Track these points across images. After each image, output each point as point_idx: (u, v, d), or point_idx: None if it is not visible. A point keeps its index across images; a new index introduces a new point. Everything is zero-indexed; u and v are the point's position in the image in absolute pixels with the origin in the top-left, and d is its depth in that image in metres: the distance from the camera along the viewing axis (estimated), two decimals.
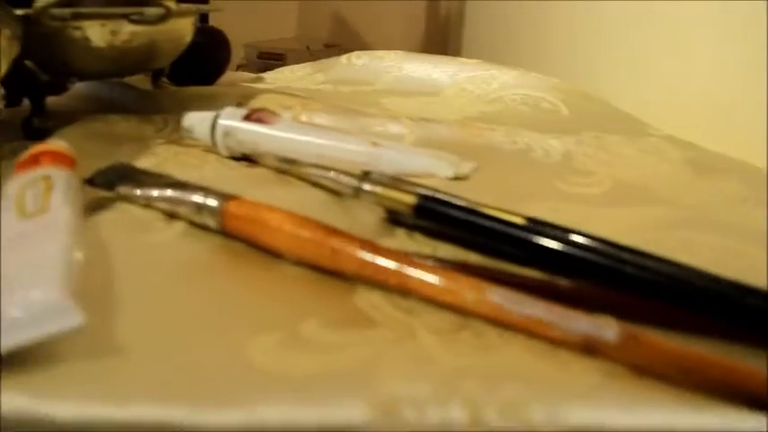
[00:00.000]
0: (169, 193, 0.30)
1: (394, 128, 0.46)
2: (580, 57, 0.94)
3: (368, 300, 0.26)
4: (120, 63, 0.46)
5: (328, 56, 1.34)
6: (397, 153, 0.39)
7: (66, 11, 0.39)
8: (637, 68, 0.84)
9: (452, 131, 0.47)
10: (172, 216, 0.31)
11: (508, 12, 1.08)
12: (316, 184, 0.35)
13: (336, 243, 0.26)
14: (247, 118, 0.40)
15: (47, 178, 0.29)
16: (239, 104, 0.48)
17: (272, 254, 0.28)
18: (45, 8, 0.38)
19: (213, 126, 0.40)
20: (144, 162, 0.39)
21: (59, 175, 0.30)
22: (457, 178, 0.38)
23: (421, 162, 0.39)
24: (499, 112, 0.58)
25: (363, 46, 1.43)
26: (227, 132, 0.40)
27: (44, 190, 0.28)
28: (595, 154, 0.45)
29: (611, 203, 0.37)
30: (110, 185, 0.32)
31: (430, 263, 0.26)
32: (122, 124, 0.46)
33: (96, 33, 0.42)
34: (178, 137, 0.45)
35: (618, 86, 0.88)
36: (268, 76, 0.67)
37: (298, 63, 1.28)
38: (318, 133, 0.39)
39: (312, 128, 0.40)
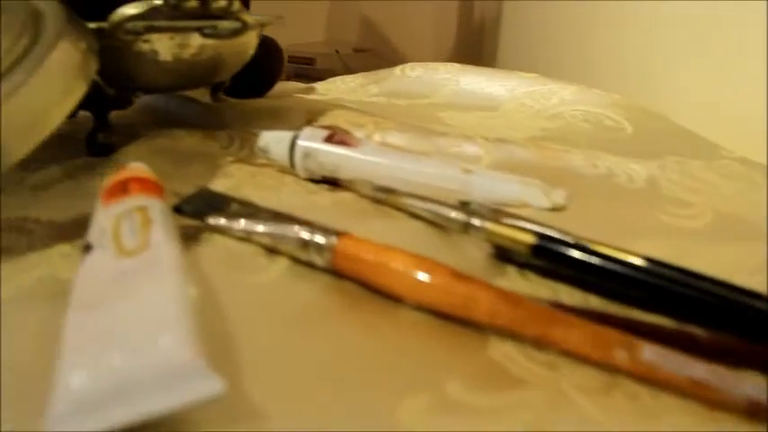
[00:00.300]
0: (270, 227, 0.28)
1: (469, 148, 0.44)
2: (625, 65, 0.91)
3: (502, 351, 0.24)
4: (186, 76, 0.44)
5: (358, 60, 1.33)
6: (489, 180, 0.36)
7: (140, 24, 0.37)
8: (690, 76, 0.82)
9: (529, 153, 0.45)
10: (271, 251, 0.29)
11: (547, 17, 1.05)
12: (415, 216, 0.33)
13: (469, 290, 0.24)
14: (329, 140, 0.38)
15: (142, 209, 0.27)
16: (309, 122, 0.47)
17: (387, 296, 0.26)
18: (121, 22, 0.36)
19: (291, 147, 0.38)
20: (220, 184, 0.37)
21: (154, 205, 0.27)
22: (553, 209, 0.36)
23: (513, 190, 0.36)
24: (561, 128, 0.56)
25: (392, 50, 1.41)
26: (308, 154, 0.37)
27: (142, 223, 0.26)
28: (681, 180, 0.43)
29: (718, 239, 0.35)
30: (198, 215, 0.30)
31: (560, 310, 0.24)
32: (187, 140, 0.44)
33: (164, 46, 0.40)
34: (247, 155, 0.43)
35: (669, 97, 0.86)
36: (319, 86, 0.65)
37: (327, 67, 1.26)
38: (405, 158, 0.37)
39: (397, 152, 0.38)
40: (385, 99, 0.61)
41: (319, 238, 0.27)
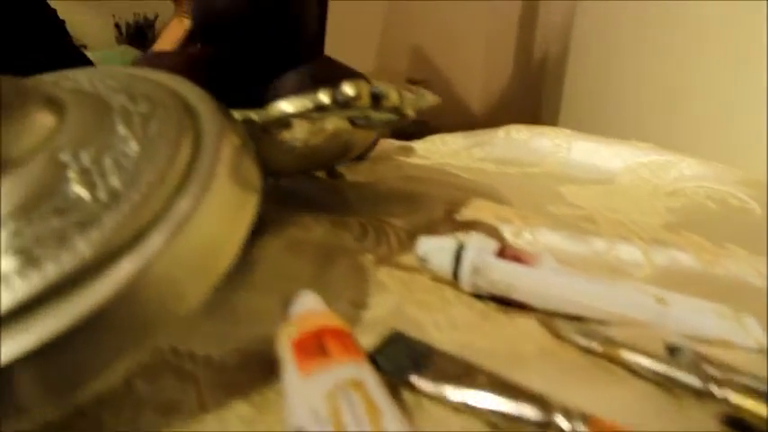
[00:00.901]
0: (496, 402, 0.24)
1: (627, 251, 0.40)
2: (711, 125, 0.87)
3: None
4: (316, 160, 0.40)
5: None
6: (685, 312, 0.32)
7: (295, 114, 0.33)
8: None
9: (689, 259, 0.41)
10: (494, 425, 0.24)
11: (621, 49, 1.00)
12: (632, 371, 0.28)
13: None
14: (501, 254, 0.33)
15: (358, 385, 0.23)
16: (449, 213, 0.42)
17: None
18: (279, 119, 0.32)
19: (457, 257, 0.34)
20: (379, 302, 0.33)
21: (367, 377, 0.23)
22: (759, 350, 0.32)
23: (710, 324, 0.32)
24: (687, 209, 0.52)
25: (444, 80, 1.36)
26: (478, 269, 0.33)
27: (366, 409, 0.22)
28: None
29: None
30: (400, 372, 0.26)
31: None
32: (317, 230, 0.40)
33: (303, 132, 0.36)
34: (387, 252, 0.38)
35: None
36: (418, 146, 0.60)
37: None
38: (591, 282, 0.33)
39: (578, 274, 0.33)
40: (493, 166, 0.57)
41: (563, 423, 0.23)
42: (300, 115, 0.32)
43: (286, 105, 0.32)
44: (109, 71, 0.34)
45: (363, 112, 0.36)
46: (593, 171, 0.57)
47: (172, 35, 1.05)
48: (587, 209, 0.49)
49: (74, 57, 1.07)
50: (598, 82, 1.08)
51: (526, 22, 1.28)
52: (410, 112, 0.34)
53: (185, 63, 0.39)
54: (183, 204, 0.25)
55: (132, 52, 1.35)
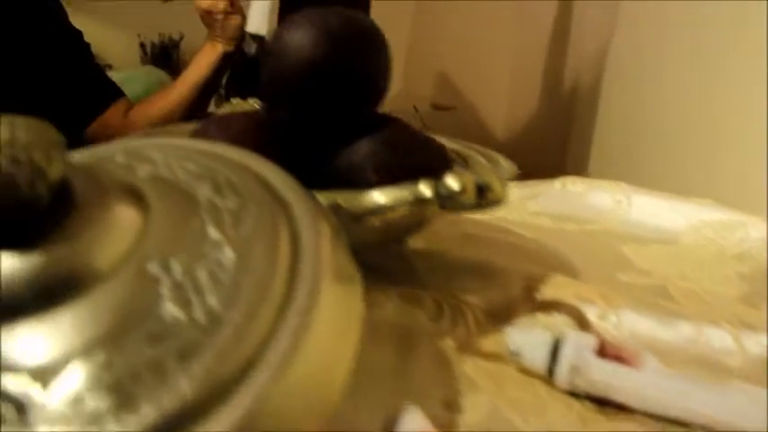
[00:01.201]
0: None
1: (717, 337, 0.38)
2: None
3: None
4: (389, 234, 0.38)
5: (437, 118, 1.26)
6: None
7: (390, 207, 0.30)
8: None
9: None
10: None
11: (662, 89, 0.96)
12: None
13: None
14: (602, 353, 0.31)
15: None
16: (529, 290, 0.40)
17: None
18: (372, 210, 0.30)
19: (554, 354, 0.32)
20: (473, 404, 0.31)
21: None
22: None
23: None
24: (758, 275, 0.50)
25: (469, 105, 1.34)
26: (576, 368, 0.31)
27: None
28: None
29: None
30: None
31: None
32: (388, 306, 0.38)
33: None
34: (465, 334, 0.36)
35: None
36: None
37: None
38: (696, 386, 0.31)
39: (683, 377, 0.31)
40: (549, 221, 0.55)
41: None
42: (394, 208, 0.29)
43: (380, 197, 0.29)
44: (183, 149, 0.32)
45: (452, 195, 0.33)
46: (655, 230, 0.54)
47: (205, 60, 1.03)
48: (656, 276, 0.47)
49: (98, 79, 1.06)
50: (633, 114, 1.06)
51: (556, 50, 1.26)
52: (504, 198, 0.32)
53: (254, 130, 0.37)
54: (291, 322, 0.23)
55: (157, 73, 1.33)
